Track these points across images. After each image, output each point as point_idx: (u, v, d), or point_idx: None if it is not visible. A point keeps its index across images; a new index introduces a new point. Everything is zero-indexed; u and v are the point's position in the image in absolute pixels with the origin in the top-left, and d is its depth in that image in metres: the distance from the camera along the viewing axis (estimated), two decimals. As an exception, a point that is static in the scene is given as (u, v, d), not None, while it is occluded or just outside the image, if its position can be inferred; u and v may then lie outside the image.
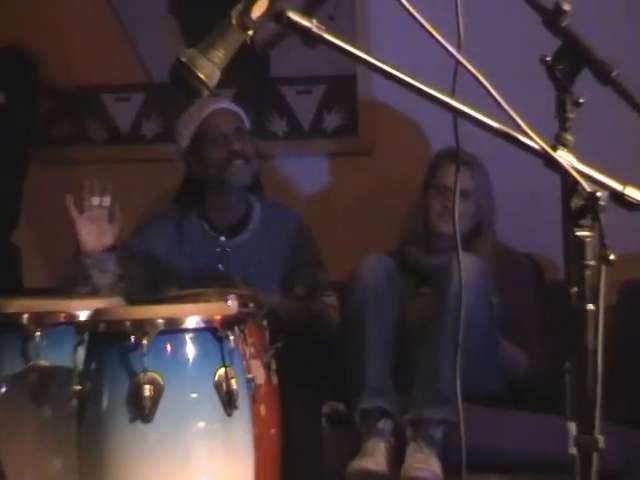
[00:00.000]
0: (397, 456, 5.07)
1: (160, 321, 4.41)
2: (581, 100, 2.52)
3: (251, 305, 4.78)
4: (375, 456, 5.05)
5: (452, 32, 2.53)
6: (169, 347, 4.39)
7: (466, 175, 5.31)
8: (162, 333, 4.40)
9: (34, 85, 6.28)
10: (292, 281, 5.45)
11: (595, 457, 2.44)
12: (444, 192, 5.40)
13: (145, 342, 4.35)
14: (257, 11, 2.57)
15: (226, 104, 5.55)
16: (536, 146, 2.45)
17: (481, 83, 2.47)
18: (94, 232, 5.18)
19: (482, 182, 5.25)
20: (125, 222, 5.61)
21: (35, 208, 6.23)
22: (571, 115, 2.50)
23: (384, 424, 5.12)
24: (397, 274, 5.32)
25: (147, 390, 4.30)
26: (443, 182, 5.41)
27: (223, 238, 5.49)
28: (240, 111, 5.57)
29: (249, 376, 4.56)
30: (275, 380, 4.82)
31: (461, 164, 5.37)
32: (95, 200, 5.18)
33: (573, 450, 2.47)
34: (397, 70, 2.52)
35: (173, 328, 4.42)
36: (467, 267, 4.81)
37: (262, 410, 4.67)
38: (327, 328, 5.40)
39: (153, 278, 5.34)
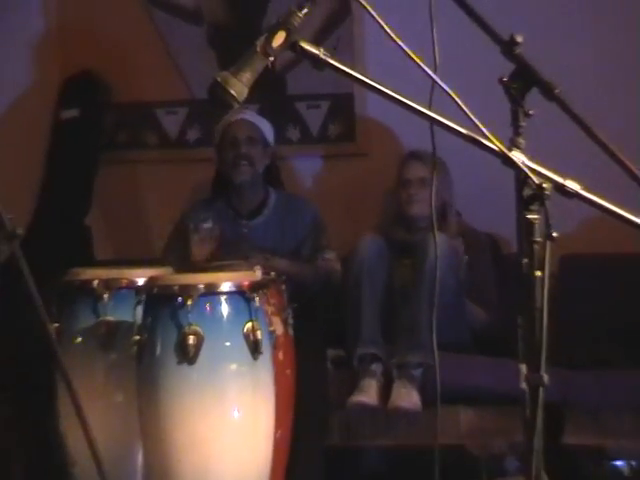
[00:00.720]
0: (385, 392, 5.10)
1: (201, 286, 4.45)
2: (531, 112, 2.54)
3: (272, 273, 4.80)
4: (368, 392, 5.08)
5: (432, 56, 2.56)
6: (208, 306, 4.42)
7: (424, 168, 5.38)
8: (202, 295, 4.43)
9: (102, 102, 6.25)
10: (300, 250, 5.47)
11: (541, 391, 2.46)
12: (408, 184, 5.45)
13: (189, 302, 4.39)
14: (276, 42, 2.59)
15: (247, 115, 5.50)
16: (496, 148, 2.49)
17: (452, 98, 2.50)
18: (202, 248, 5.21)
19: (438, 172, 5.26)
20: (174, 208, 5.64)
21: (103, 198, 6.21)
22: (523, 124, 2.52)
23: (375, 367, 5.14)
24: (385, 249, 5.32)
25: (191, 339, 4.34)
26: (407, 177, 5.46)
27: (244, 221, 5.49)
28: (259, 122, 5.52)
29: (270, 329, 4.59)
30: (291, 332, 4.82)
31: (419, 160, 5.43)
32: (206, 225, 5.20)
33: (524, 386, 2.50)
34: (385, 88, 2.55)
35: (211, 291, 4.45)
36: (440, 244, 4.88)
37: (280, 355, 4.68)
38: (331, 279, 5.41)
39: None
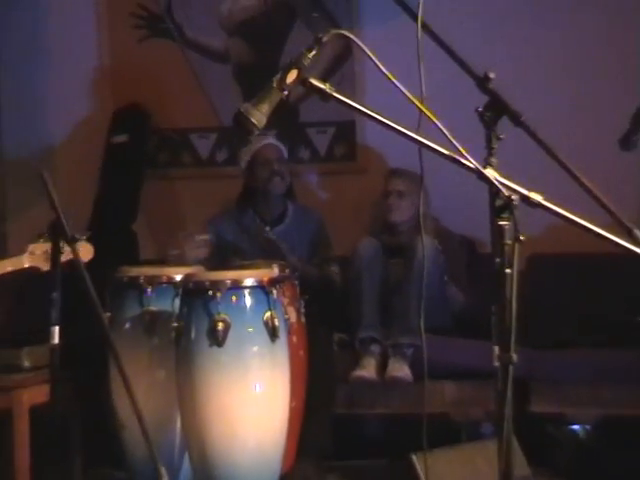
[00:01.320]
0: (382, 368, 5.11)
1: (228, 281, 4.45)
2: (502, 136, 2.54)
3: (287, 271, 4.80)
4: (368, 368, 5.09)
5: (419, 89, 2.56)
6: (234, 298, 4.43)
7: (402, 182, 5.37)
8: (229, 289, 4.44)
9: (146, 129, 6.25)
10: (311, 256, 5.45)
11: (510, 368, 2.46)
12: (388, 195, 5.43)
13: (218, 295, 4.40)
14: (290, 78, 2.59)
15: (272, 140, 5.51)
16: (473, 166, 2.49)
17: (436, 125, 2.50)
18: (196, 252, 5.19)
19: (414, 187, 5.24)
20: (204, 216, 5.63)
21: (146, 208, 6.21)
22: (495, 146, 2.53)
23: (374, 347, 5.14)
24: (380, 250, 5.32)
25: (220, 326, 4.35)
26: (388, 189, 5.44)
27: (268, 228, 5.47)
28: (280, 145, 5.54)
29: (286, 317, 4.60)
30: (303, 319, 4.82)
31: (398, 176, 5.42)
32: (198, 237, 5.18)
33: (497, 363, 2.50)
34: (380, 116, 2.55)
35: (236, 286, 4.46)
36: (426, 245, 4.89)
37: (294, 339, 4.68)
38: (331, 286, 5.39)
39: (222, 254, 5.31)
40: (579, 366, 4.99)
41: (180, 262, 5.10)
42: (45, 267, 4.28)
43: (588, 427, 5.06)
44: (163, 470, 3.54)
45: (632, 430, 4.73)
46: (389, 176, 5.47)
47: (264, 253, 5.23)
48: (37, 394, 4.52)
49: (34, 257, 4.32)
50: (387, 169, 5.58)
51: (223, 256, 5.27)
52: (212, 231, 5.45)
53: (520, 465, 3.36)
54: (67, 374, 4.19)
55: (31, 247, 4.33)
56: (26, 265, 4.32)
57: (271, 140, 5.49)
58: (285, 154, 5.54)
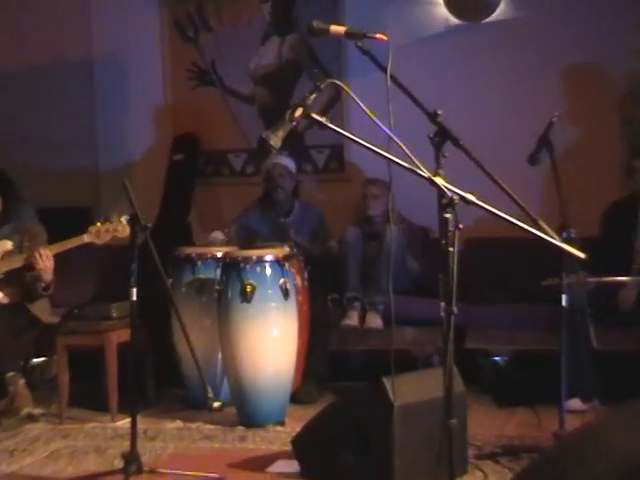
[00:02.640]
0: (362, 318, 5.09)
1: (254, 257, 4.46)
2: (446, 154, 2.53)
3: (295, 250, 4.79)
4: (353, 318, 5.08)
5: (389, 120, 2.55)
6: (258, 269, 4.45)
7: (375, 188, 5.32)
8: (255, 262, 4.45)
9: (197, 150, 6.23)
10: (313, 238, 5.41)
11: (452, 318, 2.45)
12: (367, 197, 5.37)
13: (247, 266, 4.41)
14: (297, 113, 2.57)
15: (279, 159, 5.36)
16: (426, 176, 2.48)
17: (400, 147, 2.49)
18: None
19: (384, 191, 5.21)
20: (237, 212, 5.61)
21: (197, 206, 6.20)
22: (442, 161, 2.52)
23: (356, 304, 5.11)
24: (361, 236, 5.28)
25: (248, 288, 4.37)
26: (365, 193, 5.38)
27: (282, 219, 5.44)
28: (287, 162, 5.40)
29: (295, 282, 4.61)
30: (306, 284, 4.83)
31: (372, 183, 5.38)
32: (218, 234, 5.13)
33: (443, 314, 2.49)
34: (361, 141, 2.55)
35: (260, 260, 4.46)
36: (394, 232, 4.87)
37: (300, 298, 4.69)
38: (331, 256, 5.34)
39: (250, 238, 5.28)
40: (500, 316, 4.98)
41: (213, 243, 5.07)
42: (98, 242, 4.32)
43: (505, 358, 5.05)
44: (209, 388, 3.54)
45: (536, 360, 4.72)
46: (366, 183, 5.43)
47: (278, 236, 5.20)
48: (122, 335, 4.52)
49: (91, 235, 4.36)
50: (365, 178, 5.55)
51: (250, 239, 5.24)
52: (242, 223, 5.42)
53: (458, 385, 3.35)
54: (143, 322, 4.18)
55: (90, 228, 4.35)
56: (86, 241, 4.36)
57: (278, 160, 5.36)
58: (293, 167, 5.44)
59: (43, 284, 4.58)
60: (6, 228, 4.80)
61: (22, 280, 4.66)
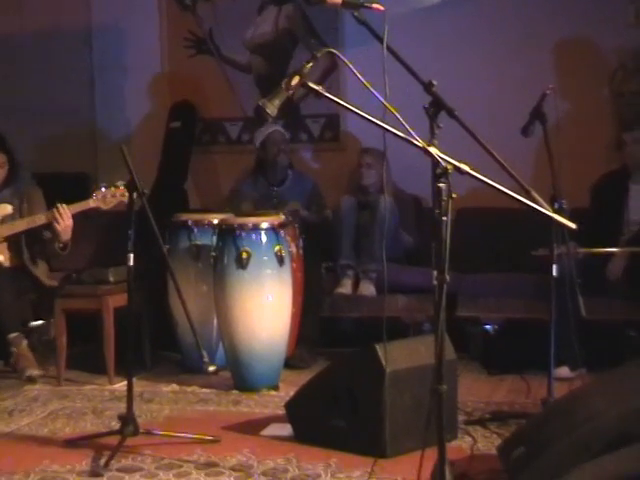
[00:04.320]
0: (355, 286, 5.09)
1: (250, 224, 4.46)
2: (441, 125, 2.52)
3: (290, 218, 4.77)
4: (346, 286, 5.08)
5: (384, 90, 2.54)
6: (254, 236, 4.44)
7: (369, 157, 5.27)
8: (251, 229, 4.44)
9: (194, 118, 6.19)
10: (310, 206, 5.39)
11: (444, 286, 2.45)
12: (362, 166, 5.32)
13: (243, 233, 4.41)
14: (294, 82, 2.56)
15: (278, 127, 5.38)
16: (420, 145, 2.47)
17: (396, 117, 2.48)
18: None
19: (378, 161, 5.17)
20: (233, 179, 5.60)
21: (193, 173, 6.18)
22: (436, 131, 2.51)
23: (350, 272, 5.11)
24: (355, 204, 5.25)
25: (244, 255, 4.37)
26: (360, 162, 5.32)
27: (275, 188, 5.40)
28: (284, 131, 5.41)
29: (290, 250, 4.61)
30: (301, 252, 4.83)
31: (367, 153, 5.35)
32: None
33: (435, 282, 2.49)
34: (356, 110, 2.53)
35: (256, 227, 4.46)
36: (387, 202, 4.86)
37: (294, 265, 4.68)
38: (326, 224, 5.32)
39: (243, 206, 5.26)
40: (490, 285, 4.99)
41: None
42: (103, 206, 4.33)
43: (495, 326, 5.07)
44: (205, 353, 3.54)
45: (525, 329, 4.74)
46: (362, 153, 5.39)
47: (271, 205, 5.19)
48: (119, 299, 4.53)
49: (96, 200, 4.35)
50: (360, 148, 5.51)
51: (244, 207, 5.22)
52: (237, 194, 5.39)
53: (449, 352, 3.36)
54: (139, 287, 4.19)
55: (95, 193, 4.35)
56: (91, 205, 4.37)
57: (277, 127, 5.37)
58: (287, 137, 5.42)
59: (61, 244, 4.58)
60: (6, 192, 4.82)
61: (34, 239, 4.66)
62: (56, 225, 4.47)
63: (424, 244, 4.23)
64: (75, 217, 4.51)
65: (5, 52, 6.39)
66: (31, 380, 4.57)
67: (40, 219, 4.55)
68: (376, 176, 5.29)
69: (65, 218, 4.45)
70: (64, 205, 4.48)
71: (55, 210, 4.46)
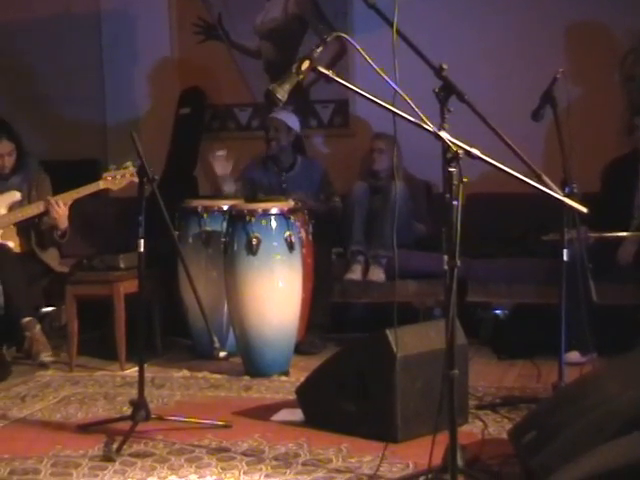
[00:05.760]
0: (365, 271, 5.07)
1: (260, 210, 4.46)
2: (451, 109, 2.51)
3: (299, 204, 4.77)
4: (356, 272, 5.06)
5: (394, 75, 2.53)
6: (264, 222, 4.44)
7: (382, 142, 5.24)
8: (261, 215, 4.45)
9: (203, 104, 6.19)
10: (319, 194, 5.39)
11: (455, 270, 2.45)
12: (372, 152, 5.30)
13: (253, 219, 4.41)
14: (304, 66, 2.55)
15: (278, 114, 5.25)
16: (431, 129, 2.46)
17: (407, 101, 2.47)
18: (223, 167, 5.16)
19: (390, 146, 5.14)
20: (243, 165, 5.58)
21: (203, 160, 6.15)
22: (446, 115, 2.50)
23: (360, 257, 5.09)
24: (367, 190, 5.24)
25: (254, 241, 4.37)
26: (372, 147, 5.29)
27: (283, 174, 5.38)
28: (285, 117, 5.27)
29: (300, 235, 4.61)
30: (311, 237, 4.82)
31: (379, 138, 5.32)
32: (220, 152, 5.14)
33: (446, 267, 2.49)
34: (366, 94, 2.53)
35: (265, 213, 4.46)
36: (398, 187, 4.84)
37: (304, 251, 4.69)
38: (335, 212, 5.31)
39: (252, 191, 5.24)
40: (501, 270, 4.98)
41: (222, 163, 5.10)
42: (114, 187, 4.37)
43: (506, 311, 5.07)
44: (215, 338, 3.55)
45: (534, 313, 4.74)
46: (374, 138, 5.35)
47: (279, 191, 5.17)
48: (130, 286, 4.53)
49: (106, 182, 4.40)
50: (372, 133, 5.48)
51: (253, 192, 5.22)
52: (246, 178, 5.37)
53: (459, 337, 3.36)
54: (150, 273, 4.20)
55: (104, 175, 4.38)
56: (101, 187, 4.41)
57: (277, 114, 5.25)
58: (293, 122, 5.31)
59: (59, 232, 4.62)
60: (15, 179, 4.84)
61: (37, 228, 4.69)
62: (52, 214, 4.52)
63: (436, 231, 4.21)
64: (86, 201, 4.54)
65: (14, 39, 6.39)
66: (44, 365, 4.59)
67: (33, 209, 4.60)
68: (388, 161, 5.27)
69: (60, 206, 4.48)
70: (57, 196, 4.52)
71: (49, 201, 4.51)
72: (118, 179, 4.35)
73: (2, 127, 4.78)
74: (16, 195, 4.74)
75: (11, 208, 4.69)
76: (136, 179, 3.62)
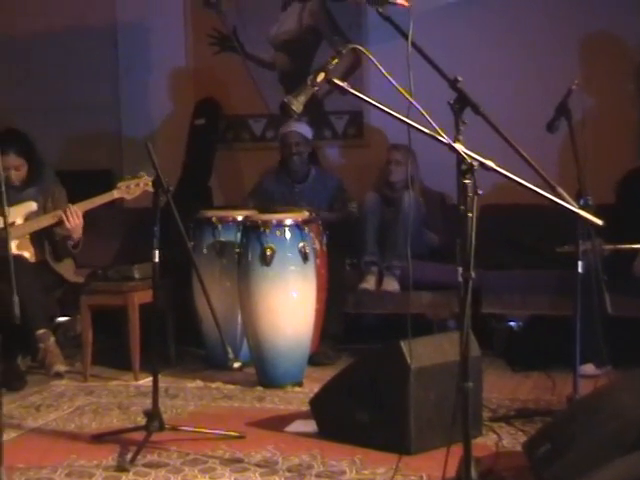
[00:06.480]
0: (379, 282, 5.07)
1: (274, 221, 4.46)
2: (466, 121, 2.51)
3: (313, 215, 4.77)
4: (369, 282, 5.06)
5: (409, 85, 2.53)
6: (278, 232, 4.44)
7: (399, 154, 5.24)
8: (275, 226, 4.44)
9: (218, 115, 6.21)
10: (332, 204, 5.37)
11: (470, 282, 2.45)
12: (389, 163, 5.30)
13: (267, 230, 4.41)
14: (319, 78, 2.56)
15: (295, 127, 5.31)
16: (446, 141, 2.46)
17: (422, 113, 2.48)
18: None
19: (407, 158, 5.13)
20: (256, 176, 5.60)
21: (218, 170, 6.19)
22: (461, 127, 2.50)
23: (374, 268, 5.09)
24: (380, 201, 5.24)
25: (268, 252, 4.37)
26: (389, 158, 5.30)
27: (296, 185, 5.37)
28: (301, 129, 5.33)
29: (314, 246, 4.61)
30: (325, 248, 4.82)
31: (396, 149, 5.31)
32: None
33: (460, 279, 2.48)
34: (381, 106, 2.53)
35: (280, 224, 4.46)
36: (412, 198, 4.84)
37: (318, 261, 4.68)
38: (350, 218, 5.31)
39: (266, 202, 5.25)
40: (515, 281, 4.97)
41: None
42: (128, 197, 4.38)
43: (520, 323, 5.06)
44: (229, 349, 3.55)
45: (549, 325, 4.72)
46: (390, 149, 5.34)
47: (293, 203, 5.18)
48: (144, 296, 4.53)
49: (120, 191, 4.40)
50: (387, 144, 5.48)
51: (267, 203, 5.23)
52: (259, 191, 5.39)
53: (473, 349, 3.35)
54: (164, 282, 4.21)
55: (118, 184, 4.39)
56: (115, 196, 4.41)
57: (294, 127, 5.31)
58: (309, 134, 5.36)
59: (73, 242, 4.63)
60: (31, 190, 4.83)
61: (51, 238, 4.70)
62: (66, 224, 4.51)
63: (452, 244, 4.21)
64: (100, 211, 4.55)
65: (32, 50, 6.43)
66: (58, 376, 4.60)
67: (48, 219, 4.60)
68: (404, 173, 5.27)
69: (74, 217, 4.49)
70: (72, 206, 4.52)
71: (64, 210, 4.50)
72: (132, 188, 4.36)
73: (12, 140, 4.74)
74: (32, 206, 4.75)
75: (27, 218, 4.70)
76: (150, 188, 3.63)
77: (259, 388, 4.41)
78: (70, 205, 4.55)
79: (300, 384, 4.45)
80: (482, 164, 2.42)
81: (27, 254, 4.70)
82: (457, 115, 2.50)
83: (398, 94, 2.47)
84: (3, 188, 2.56)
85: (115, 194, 4.43)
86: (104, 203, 4.52)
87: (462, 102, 2.50)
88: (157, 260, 3.51)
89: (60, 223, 4.56)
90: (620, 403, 2.72)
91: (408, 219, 4.88)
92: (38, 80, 6.42)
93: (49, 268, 4.77)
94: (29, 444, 3.62)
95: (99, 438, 3.64)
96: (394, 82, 2.46)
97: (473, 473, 2.49)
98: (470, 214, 2.41)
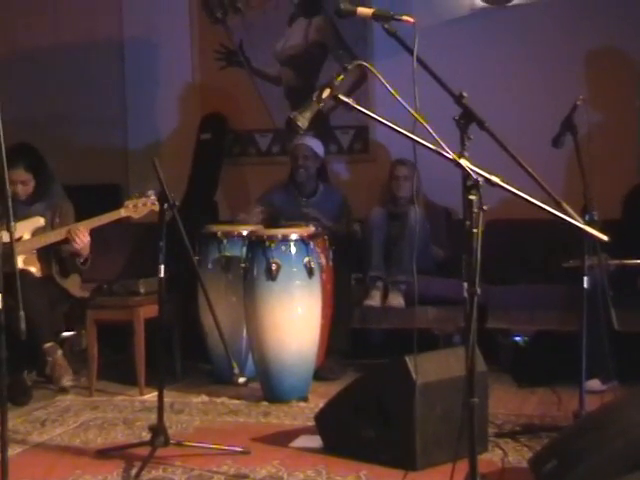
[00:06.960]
0: (384, 297, 5.07)
1: (280, 235, 4.46)
2: (471, 137, 2.51)
3: (319, 229, 4.77)
4: (375, 298, 5.06)
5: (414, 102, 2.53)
6: (284, 247, 4.43)
7: (404, 169, 5.25)
8: (280, 241, 4.44)
9: (224, 129, 6.22)
10: (336, 221, 5.38)
11: (475, 297, 2.44)
12: (395, 178, 5.30)
13: (273, 245, 4.41)
14: (324, 94, 2.56)
15: (305, 140, 5.30)
16: (451, 157, 2.46)
17: (426, 129, 2.47)
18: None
19: (413, 173, 5.13)
20: (262, 191, 5.60)
21: (224, 184, 6.20)
22: (467, 143, 2.50)
23: (379, 283, 5.09)
24: (385, 215, 5.24)
25: (274, 266, 4.36)
26: (395, 174, 5.30)
27: (304, 200, 5.38)
28: (312, 143, 5.33)
29: (319, 261, 4.61)
30: (331, 263, 4.82)
31: (401, 164, 5.32)
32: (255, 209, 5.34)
33: (466, 294, 2.47)
34: (386, 122, 2.53)
35: (285, 239, 4.46)
36: (418, 213, 4.83)
37: (324, 277, 4.68)
38: (354, 237, 5.32)
39: (273, 217, 5.26)
40: (521, 296, 4.95)
41: (243, 223, 5.10)
42: (135, 216, 4.36)
43: (526, 338, 5.04)
44: (235, 364, 3.54)
45: (555, 340, 4.71)
46: (396, 164, 5.34)
47: (300, 217, 5.18)
48: (150, 311, 4.54)
49: (128, 209, 4.38)
50: (392, 158, 5.49)
51: (275, 217, 5.23)
52: (267, 201, 5.41)
53: (479, 364, 3.33)
54: (170, 297, 4.20)
55: (126, 203, 4.37)
56: (123, 215, 4.39)
57: (303, 141, 5.31)
58: (319, 149, 5.37)
59: (81, 259, 4.63)
60: (39, 205, 4.84)
61: (57, 255, 4.71)
62: (73, 244, 4.50)
63: (457, 259, 4.21)
64: (106, 226, 4.54)
65: (39, 65, 6.48)
66: (64, 390, 4.59)
67: (55, 235, 4.60)
68: (410, 188, 5.26)
69: (81, 236, 4.48)
70: (78, 224, 4.52)
71: (69, 231, 4.49)
72: (140, 207, 4.34)
73: (23, 155, 4.74)
74: (40, 221, 4.75)
75: (34, 234, 4.71)
76: (157, 208, 3.63)
77: (264, 403, 4.40)
78: (76, 224, 4.54)
79: (305, 399, 4.44)
80: (488, 180, 2.41)
81: (33, 269, 4.71)
82: (462, 131, 2.50)
83: (403, 109, 2.47)
84: (10, 203, 2.56)
85: (122, 212, 4.40)
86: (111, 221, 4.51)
87: (467, 118, 2.50)
88: (163, 275, 3.51)
89: (67, 240, 4.56)
90: (627, 420, 2.71)
91: (414, 234, 4.88)
92: (47, 94, 6.45)
93: (55, 283, 4.77)
94: (34, 459, 3.62)
95: (104, 453, 3.63)
96: (402, 101, 2.45)
97: (479, 489, 2.47)
98: (475, 230, 2.41)
